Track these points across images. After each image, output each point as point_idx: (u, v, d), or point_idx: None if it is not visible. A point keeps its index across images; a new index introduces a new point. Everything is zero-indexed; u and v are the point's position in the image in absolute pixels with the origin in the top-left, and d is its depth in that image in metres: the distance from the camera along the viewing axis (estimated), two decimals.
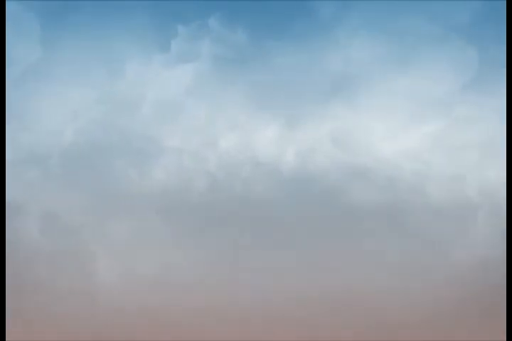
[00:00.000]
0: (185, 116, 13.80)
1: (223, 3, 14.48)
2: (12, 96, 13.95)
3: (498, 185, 13.05)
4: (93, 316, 12.75)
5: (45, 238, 13.05)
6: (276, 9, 14.24)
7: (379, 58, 13.77)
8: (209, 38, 14.24)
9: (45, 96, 13.89)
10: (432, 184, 13.22)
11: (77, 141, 13.73)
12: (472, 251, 12.78)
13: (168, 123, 13.76)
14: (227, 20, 14.27)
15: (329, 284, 12.74)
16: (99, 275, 12.95)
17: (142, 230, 13.07)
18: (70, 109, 13.87)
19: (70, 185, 13.44)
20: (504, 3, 13.24)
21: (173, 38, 14.45)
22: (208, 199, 13.01)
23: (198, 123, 13.77)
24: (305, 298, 12.67)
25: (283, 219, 12.92)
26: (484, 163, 13.21)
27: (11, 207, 13.11)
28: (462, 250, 12.79)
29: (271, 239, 12.80)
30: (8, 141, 13.67)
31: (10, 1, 14.25)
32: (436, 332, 12.39)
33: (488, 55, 13.56)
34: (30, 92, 13.90)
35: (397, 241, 12.80)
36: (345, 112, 13.53)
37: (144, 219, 13.10)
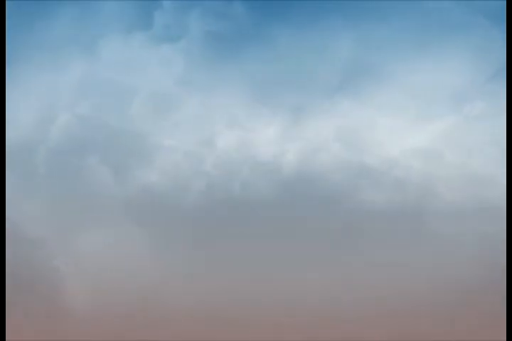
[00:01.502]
0: (175, 110, 12.83)
1: None
2: None
3: None
4: None
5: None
6: None
7: (394, 44, 12.71)
8: (199, 11, 12.61)
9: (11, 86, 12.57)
10: (443, 184, 12.67)
11: (47, 138, 12.58)
12: (489, 253, 12.64)
13: (155, 118, 12.79)
14: None
15: (330, 285, 12.68)
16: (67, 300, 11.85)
17: (119, 243, 12.14)
18: (40, 103, 12.73)
19: (31, 191, 12.32)
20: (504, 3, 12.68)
21: (156, 11, 12.55)
22: (203, 202, 12.36)
23: (191, 118, 12.99)
24: (306, 302, 12.59)
25: (284, 223, 12.39)
26: (500, 162, 12.55)
27: None
28: (478, 252, 12.60)
29: (271, 243, 12.50)
30: None
31: (10, 0, 13.31)
32: (436, 331, 12.49)
33: None
34: None
35: (406, 245, 12.50)
36: (353, 108, 12.78)
37: (122, 230, 12.18)
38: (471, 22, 12.76)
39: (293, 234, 12.56)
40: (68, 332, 11.72)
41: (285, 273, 12.49)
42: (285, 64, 12.94)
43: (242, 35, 12.76)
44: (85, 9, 13.07)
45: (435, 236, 12.48)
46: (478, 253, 12.37)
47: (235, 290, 12.36)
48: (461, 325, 12.14)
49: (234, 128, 12.85)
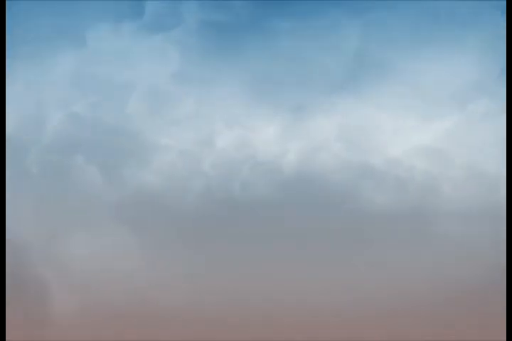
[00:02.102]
0: (171, 108, 12.44)
1: None
2: None
3: None
4: None
5: None
6: None
7: (401, 40, 12.34)
8: None
9: None
10: (447, 185, 12.44)
11: (36, 137, 12.19)
12: (489, 253, 12.53)
13: (150, 116, 12.42)
14: None
15: (331, 285, 12.58)
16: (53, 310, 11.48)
17: (113, 245, 11.81)
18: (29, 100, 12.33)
19: (19, 192, 11.94)
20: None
21: None
22: (201, 203, 12.09)
23: (188, 116, 12.65)
24: (307, 303, 12.44)
25: (284, 224, 12.24)
26: (505, 162, 12.41)
27: None
28: (478, 252, 12.53)
29: (272, 244, 12.33)
30: None
31: (10, 0, 12.67)
32: (436, 331, 12.49)
33: None
34: None
35: (407, 245, 12.41)
36: (355, 106, 12.49)
37: (115, 232, 11.85)
38: (482, 18, 12.47)
39: (294, 235, 12.40)
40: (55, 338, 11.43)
41: (286, 274, 12.37)
42: (286, 58, 12.60)
43: (240, 26, 12.34)
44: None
45: (436, 236, 12.37)
46: (478, 254, 12.34)
47: (234, 290, 12.23)
48: (461, 325, 12.09)
49: (233, 127, 12.57)
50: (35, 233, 11.88)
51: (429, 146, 12.48)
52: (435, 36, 12.53)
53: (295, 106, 12.56)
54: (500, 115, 12.45)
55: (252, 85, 12.56)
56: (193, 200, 12.23)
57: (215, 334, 12.15)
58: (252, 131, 12.54)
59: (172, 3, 12.33)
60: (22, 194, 12.14)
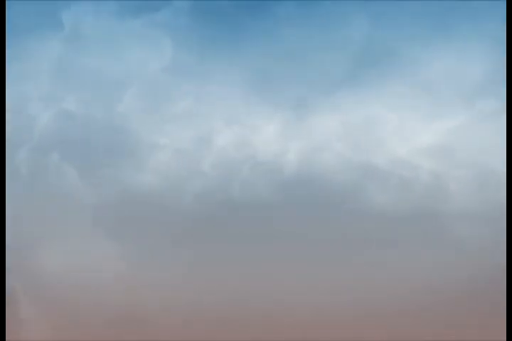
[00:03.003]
0: (166, 104, 11.88)
1: None
2: None
3: None
4: None
5: None
6: None
7: (410, 32, 11.79)
8: None
9: None
10: (454, 185, 12.14)
11: (25, 136, 11.58)
12: (489, 254, 12.35)
13: (143, 114, 11.85)
14: None
15: (333, 286, 12.38)
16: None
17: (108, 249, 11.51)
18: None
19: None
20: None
21: None
22: (199, 204, 11.73)
23: (185, 114, 12.14)
24: (307, 303, 12.34)
25: (284, 225, 11.96)
26: None
27: None
28: (478, 252, 12.37)
29: (272, 245, 12.05)
30: None
31: (10, 0, 11.97)
32: (436, 331, 12.46)
33: None
34: None
35: (414, 249, 12.23)
36: (358, 104, 12.07)
37: (105, 234, 11.35)
38: (497, 10, 12.08)
39: (294, 236, 12.15)
40: None
41: (286, 274, 12.19)
42: (288, 49, 12.08)
43: (238, 10, 11.66)
44: None
45: (438, 236, 12.25)
46: (478, 254, 12.23)
47: (234, 290, 12.06)
48: (461, 325, 12.04)
49: (232, 125, 12.20)
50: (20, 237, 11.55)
51: (435, 145, 12.26)
52: (444, 29, 12.14)
53: (296, 104, 12.22)
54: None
55: (250, 80, 12.13)
56: (191, 201, 11.94)
57: (215, 334, 12.06)
58: (252, 130, 12.21)
59: None
60: (9, 195, 11.73)
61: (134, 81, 12.11)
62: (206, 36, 12.10)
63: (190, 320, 11.94)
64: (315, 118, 12.18)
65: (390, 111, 12.15)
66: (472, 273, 12.03)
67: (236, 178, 12.07)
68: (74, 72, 12.03)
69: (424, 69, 12.29)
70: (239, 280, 11.99)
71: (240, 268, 11.96)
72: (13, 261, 11.28)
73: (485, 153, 12.10)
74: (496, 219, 12.23)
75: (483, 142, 12.18)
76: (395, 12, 12.10)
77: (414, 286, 12.18)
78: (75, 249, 11.67)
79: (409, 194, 12.01)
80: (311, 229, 12.06)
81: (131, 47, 12.01)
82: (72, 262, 11.61)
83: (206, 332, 12.02)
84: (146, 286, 11.91)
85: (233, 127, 12.13)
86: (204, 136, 12.11)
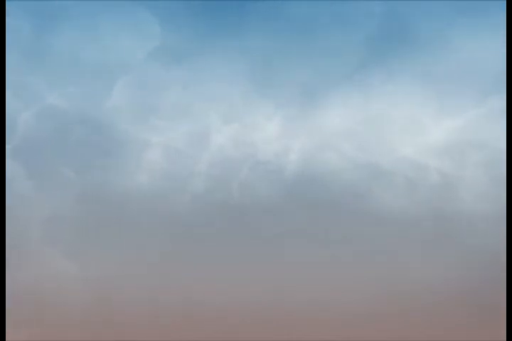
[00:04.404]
0: (159, 99, 11.21)
1: None
2: None
3: None
4: None
5: None
6: None
7: (427, 18, 11.01)
8: None
9: None
10: (464, 186, 11.66)
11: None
12: (489, 253, 11.90)
13: (134, 109, 11.23)
14: None
15: (335, 286, 11.94)
16: None
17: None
18: None
19: None
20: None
21: None
22: (196, 206, 11.13)
23: (179, 109, 11.55)
24: (307, 303, 11.89)
25: (285, 227, 11.47)
26: None
27: None
28: (478, 252, 11.87)
29: (273, 248, 11.58)
30: None
31: (10, 1, 11.05)
32: (436, 331, 12.11)
33: None
34: None
35: (409, 246, 11.76)
36: (364, 100, 11.42)
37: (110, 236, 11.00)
38: None
39: (294, 237, 11.66)
40: None
41: (287, 276, 11.74)
42: (294, 35, 11.20)
43: None
44: None
45: (439, 236, 11.73)
46: (478, 254, 11.75)
47: (234, 291, 11.62)
48: (461, 325, 11.78)
49: (230, 122, 11.47)
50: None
51: (444, 144, 11.56)
52: (462, 18, 11.29)
53: (298, 100, 11.52)
54: None
55: (251, 71, 11.40)
56: (188, 203, 11.31)
57: (215, 334, 11.73)
58: (252, 127, 11.52)
59: None
60: None
61: (117, 69, 11.16)
62: (200, 18, 11.05)
63: (190, 320, 11.61)
64: (318, 116, 11.54)
65: (399, 109, 11.44)
66: (472, 273, 11.73)
67: (235, 179, 11.46)
68: (44, 58, 11.01)
69: (436, 62, 11.56)
70: (239, 281, 11.62)
71: (240, 269, 11.52)
72: None
73: (495, 152, 11.43)
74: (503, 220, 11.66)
75: (494, 140, 11.50)
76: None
77: (413, 286, 11.85)
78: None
79: (416, 194, 11.42)
80: (311, 230, 11.56)
81: (114, 30, 11.01)
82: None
83: (207, 332, 11.72)
84: (147, 287, 11.44)
85: (231, 124, 11.46)
86: (200, 134, 11.43)
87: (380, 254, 11.65)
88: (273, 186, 11.51)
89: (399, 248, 11.71)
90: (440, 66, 11.50)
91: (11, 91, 11.12)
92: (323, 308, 11.75)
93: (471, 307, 11.73)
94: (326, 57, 11.35)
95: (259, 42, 11.40)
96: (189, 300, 11.56)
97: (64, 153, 11.07)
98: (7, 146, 10.71)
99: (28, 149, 11.01)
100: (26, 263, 10.85)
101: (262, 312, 11.71)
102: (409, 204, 11.50)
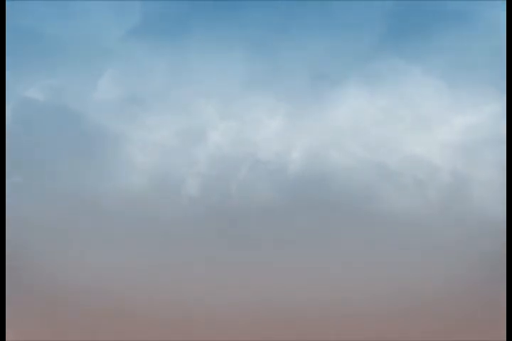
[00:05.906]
0: (152, 95, 10.56)
1: None
2: None
3: None
4: None
5: None
6: None
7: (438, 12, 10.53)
8: None
9: None
10: (476, 187, 11.11)
11: None
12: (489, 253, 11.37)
13: (124, 106, 10.58)
14: None
15: (337, 287, 11.40)
16: None
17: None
18: None
19: None
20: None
21: None
22: (194, 208, 10.55)
23: (174, 106, 11.03)
24: (308, 303, 11.31)
25: (288, 229, 10.96)
26: None
27: None
28: (478, 252, 11.28)
29: (273, 250, 10.99)
30: None
31: (10, 1, 10.69)
32: (436, 331, 11.58)
33: None
34: None
35: (410, 248, 11.16)
36: (370, 96, 10.89)
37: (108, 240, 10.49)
38: None
39: (297, 241, 11.11)
40: None
41: (287, 277, 11.23)
42: (292, 30, 10.66)
43: None
44: None
45: (440, 237, 11.17)
46: (478, 254, 11.26)
47: (234, 291, 11.10)
48: (461, 324, 11.44)
49: (228, 119, 10.91)
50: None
51: (455, 142, 10.98)
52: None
53: (301, 95, 10.93)
54: None
55: (250, 65, 10.76)
56: (185, 205, 10.72)
57: (215, 335, 11.31)
58: (251, 125, 10.94)
59: None
60: None
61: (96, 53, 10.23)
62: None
63: (190, 320, 11.14)
64: (321, 113, 10.94)
65: (406, 105, 10.89)
66: (473, 273, 11.29)
67: (233, 179, 10.91)
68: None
69: (448, 54, 11.00)
70: (238, 282, 11.15)
71: (240, 270, 10.97)
72: None
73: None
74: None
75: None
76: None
77: (413, 286, 11.47)
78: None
79: (424, 195, 10.82)
80: (315, 232, 11.03)
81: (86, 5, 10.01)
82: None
83: (207, 332, 11.31)
84: (147, 287, 10.83)
85: (229, 121, 10.85)
86: (197, 131, 10.84)
87: (382, 255, 11.25)
88: (274, 187, 11.02)
89: (400, 248, 11.29)
90: (452, 58, 10.98)
91: None
92: (323, 308, 11.35)
93: (471, 307, 11.41)
94: (335, 45, 10.76)
95: (258, 17, 10.18)
96: (189, 300, 11.17)
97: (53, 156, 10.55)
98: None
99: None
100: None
101: (262, 312, 11.41)
102: (418, 205, 10.99)
